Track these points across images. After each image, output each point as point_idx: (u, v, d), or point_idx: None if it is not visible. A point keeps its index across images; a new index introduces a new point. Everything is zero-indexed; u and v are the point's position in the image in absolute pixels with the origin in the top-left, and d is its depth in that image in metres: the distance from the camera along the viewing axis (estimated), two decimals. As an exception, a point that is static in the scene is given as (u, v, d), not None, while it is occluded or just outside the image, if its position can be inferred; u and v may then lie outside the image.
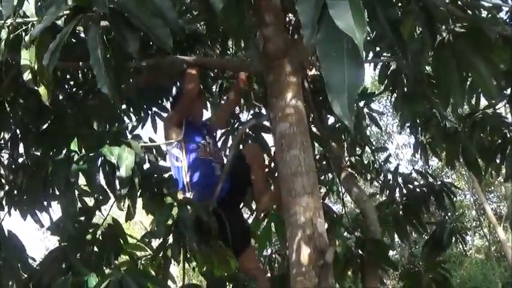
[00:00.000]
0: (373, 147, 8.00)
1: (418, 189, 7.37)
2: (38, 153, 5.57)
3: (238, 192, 5.74)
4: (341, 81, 1.79)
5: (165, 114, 6.74)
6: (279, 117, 4.59)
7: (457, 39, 2.92)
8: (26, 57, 3.48)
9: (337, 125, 7.08)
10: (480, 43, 2.96)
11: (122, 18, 3.18)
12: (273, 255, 7.52)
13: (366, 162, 7.87)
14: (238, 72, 5.87)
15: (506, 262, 27.00)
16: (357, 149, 7.61)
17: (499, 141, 6.33)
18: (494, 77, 3.12)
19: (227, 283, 4.94)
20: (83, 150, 4.78)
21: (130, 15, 3.16)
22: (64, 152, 4.72)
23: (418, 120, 7.15)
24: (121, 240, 5.35)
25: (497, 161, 6.38)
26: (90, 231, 5.32)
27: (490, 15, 3.24)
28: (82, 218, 5.32)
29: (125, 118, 6.71)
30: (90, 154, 4.62)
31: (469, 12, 3.20)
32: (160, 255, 4.77)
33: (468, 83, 5.36)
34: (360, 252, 5.80)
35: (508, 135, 6.18)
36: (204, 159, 5.68)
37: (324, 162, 7.22)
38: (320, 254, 4.09)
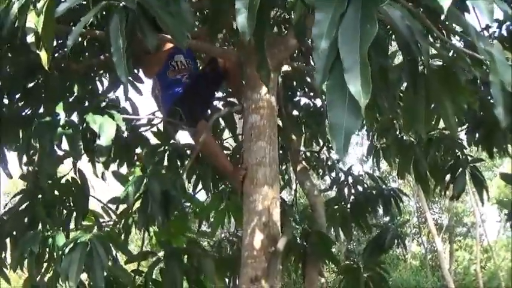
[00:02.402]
0: (330, 145, 8.26)
1: (367, 191, 7.60)
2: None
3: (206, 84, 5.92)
4: (341, 124, 2.08)
5: (139, 85, 6.94)
6: (252, 109, 4.84)
7: (431, 74, 3.19)
8: (32, 20, 3.63)
9: (300, 119, 7.46)
10: (450, 82, 3.24)
11: (146, 14, 3.39)
12: (224, 239, 7.80)
13: (321, 158, 8.17)
14: (219, 57, 5.97)
15: (440, 272, 27.64)
16: (314, 144, 7.90)
17: (451, 161, 6.64)
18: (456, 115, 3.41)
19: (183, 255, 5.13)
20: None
21: (154, 12, 3.36)
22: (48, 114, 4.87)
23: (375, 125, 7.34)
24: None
25: (446, 180, 6.66)
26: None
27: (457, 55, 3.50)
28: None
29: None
30: (75, 120, 4.81)
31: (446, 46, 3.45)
32: (122, 222, 4.99)
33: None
34: (304, 243, 6.03)
35: (461, 158, 6.49)
36: (174, 79, 5.90)
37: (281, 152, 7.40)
38: (272, 242, 4.41)
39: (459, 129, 6.20)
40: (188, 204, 6.13)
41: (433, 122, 6.29)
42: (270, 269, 4.31)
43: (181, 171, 5.53)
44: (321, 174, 8.39)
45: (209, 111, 6.05)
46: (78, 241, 4.24)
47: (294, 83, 7.46)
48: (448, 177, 6.67)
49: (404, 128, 4.93)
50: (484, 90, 4.86)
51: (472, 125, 6.06)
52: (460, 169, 6.41)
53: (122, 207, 5.45)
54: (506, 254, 31.99)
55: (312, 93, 7.60)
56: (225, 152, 6.43)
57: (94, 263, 4.18)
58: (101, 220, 5.69)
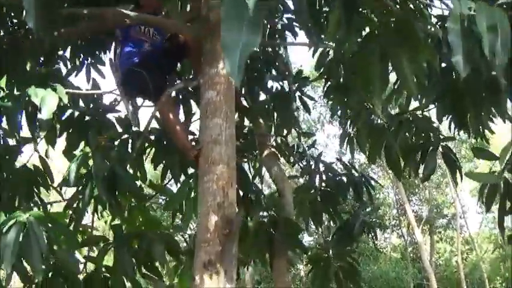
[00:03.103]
0: (300, 131, 8.05)
1: (338, 178, 7.39)
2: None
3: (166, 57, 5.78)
4: (237, 41, 1.82)
5: (100, 67, 6.72)
6: (208, 84, 4.65)
7: (385, 32, 2.95)
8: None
9: (268, 104, 7.17)
10: (407, 39, 3.00)
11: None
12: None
13: (291, 144, 7.93)
14: (179, 33, 5.80)
15: (421, 264, 27.60)
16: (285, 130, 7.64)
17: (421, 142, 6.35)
18: (415, 75, 3.16)
19: (133, 240, 4.91)
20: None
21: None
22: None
23: (348, 112, 7.11)
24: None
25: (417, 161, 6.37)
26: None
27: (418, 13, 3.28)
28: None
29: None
30: (16, 93, 4.57)
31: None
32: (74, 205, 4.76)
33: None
34: (272, 230, 5.80)
35: (432, 140, 6.24)
36: (136, 38, 5.73)
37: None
38: (227, 224, 4.14)
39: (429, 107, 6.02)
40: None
41: (403, 102, 6.14)
42: (224, 252, 4.04)
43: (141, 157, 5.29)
44: (292, 162, 8.08)
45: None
46: (15, 221, 3.98)
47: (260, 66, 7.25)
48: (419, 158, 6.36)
49: (362, 91, 4.64)
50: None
51: (438, 94, 5.74)
52: (431, 149, 6.11)
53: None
54: (489, 245, 32.07)
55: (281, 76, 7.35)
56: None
57: (31, 244, 3.90)
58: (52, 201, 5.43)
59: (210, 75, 4.66)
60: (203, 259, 4.03)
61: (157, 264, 4.76)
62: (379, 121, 6.47)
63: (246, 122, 6.97)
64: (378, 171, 29.58)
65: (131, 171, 5.73)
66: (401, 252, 31.90)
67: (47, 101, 4.45)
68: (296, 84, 7.22)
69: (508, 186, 4.31)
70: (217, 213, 4.16)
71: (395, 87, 5.60)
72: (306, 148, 8.08)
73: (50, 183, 5.41)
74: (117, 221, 5.20)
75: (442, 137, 6.20)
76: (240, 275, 5.95)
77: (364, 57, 3.14)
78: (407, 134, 6.31)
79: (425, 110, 6.31)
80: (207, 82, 4.67)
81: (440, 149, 6.15)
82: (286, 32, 7.59)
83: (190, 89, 6.06)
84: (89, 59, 6.94)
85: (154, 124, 5.88)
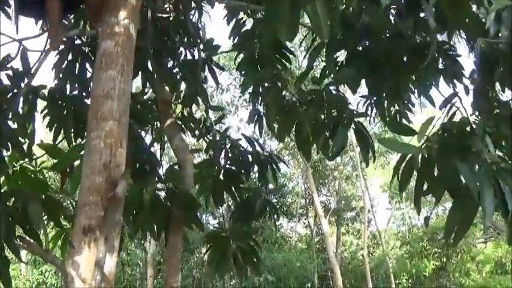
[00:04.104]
0: (208, 104, 7.69)
1: (242, 155, 7.07)
2: None
3: None
4: None
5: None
6: (106, 34, 4.29)
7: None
8: None
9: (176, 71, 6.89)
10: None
11: None
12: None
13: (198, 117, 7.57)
14: None
15: (326, 255, 27.69)
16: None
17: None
18: (330, 21, 2.84)
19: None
20: None
21: None
22: None
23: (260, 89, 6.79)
24: None
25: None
26: None
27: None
28: None
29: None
30: None
31: None
32: None
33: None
34: (169, 204, 5.52)
35: (344, 115, 5.90)
36: None
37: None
38: (112, 186, 3.75)
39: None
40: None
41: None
42: (106, 218, 3.65)
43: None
44: (197, 135, 7.70)
45: None
46: None
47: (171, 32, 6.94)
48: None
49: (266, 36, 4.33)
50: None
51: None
52: (341, 125, 5.77)
53: None
54: (396, 242, 32.43)
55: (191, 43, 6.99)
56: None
57: None
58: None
59: (109, 24, 4.30)
60: (82, 223, 3.65)
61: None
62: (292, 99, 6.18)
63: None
64: (289, 160, 29.42)
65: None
66: (306, 242, 31.93)
67: None
68: (206, 53, 6.83)
69: (427, 163, 4.02)
70: (102, 174, 3.78)
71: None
72: (214, 123, 7.71)
73: None
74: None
75: (355, 112, 5.88)
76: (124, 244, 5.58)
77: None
78: (319, 110, 5.95)
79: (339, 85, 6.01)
80: (105, 32, 4.30)
81: (352, 125, 5.81)
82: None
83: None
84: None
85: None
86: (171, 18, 6.94)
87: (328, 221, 29.33)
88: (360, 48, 5.38)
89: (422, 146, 4.02)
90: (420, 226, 29.56)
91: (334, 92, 5.87)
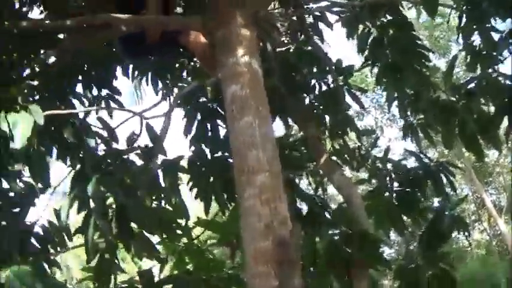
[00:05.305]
0: (358, 131, 7.10)
1: (411, 173, 6.39)
2: None
3: None
4: None
5: (118, 97, 6.11)
6: (228, 78, 3.90)
7: None
8: None
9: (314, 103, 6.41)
10: None
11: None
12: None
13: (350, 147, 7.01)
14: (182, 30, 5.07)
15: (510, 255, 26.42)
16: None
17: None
18: None
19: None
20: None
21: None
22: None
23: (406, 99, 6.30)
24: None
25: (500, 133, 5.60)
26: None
27: None
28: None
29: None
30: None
31: None
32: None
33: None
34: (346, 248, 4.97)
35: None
36: None
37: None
38: (281, 248, 3.15)
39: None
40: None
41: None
42: (282, 285, 3.05)
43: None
44: (355, 167, 7.12)
45: None
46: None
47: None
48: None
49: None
50: None
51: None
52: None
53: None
54: None
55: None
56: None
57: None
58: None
59: (228, 65, 3.92)
60: (259, 299, 3.08)
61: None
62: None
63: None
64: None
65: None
66: (486, 248, 30.60)
67: (17, 125, 3.77)
68: (341, 77, 6.31)
69: None
70: (266, 238, 3.23)
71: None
72: (369, 149, 7.10)
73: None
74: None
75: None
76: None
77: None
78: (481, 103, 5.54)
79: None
80: (226, 76, 3.92)
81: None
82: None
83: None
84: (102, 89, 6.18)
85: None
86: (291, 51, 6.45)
87: (503, 220, 27.98)
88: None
89: None
90: None
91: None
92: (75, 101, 5.86)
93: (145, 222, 4.36)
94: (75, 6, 5.20)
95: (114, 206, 4.31)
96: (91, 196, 3.87)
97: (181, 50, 5.25)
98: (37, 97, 5.24)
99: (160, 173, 5.10)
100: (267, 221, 3.25)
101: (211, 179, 5.69)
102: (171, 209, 4.98)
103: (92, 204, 3.93)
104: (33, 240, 4.67)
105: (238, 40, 3.96)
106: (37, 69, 5.23)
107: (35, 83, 5.28)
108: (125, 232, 4.15)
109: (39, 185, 4.43)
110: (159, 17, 4.72)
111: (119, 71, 6.29)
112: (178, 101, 5.16)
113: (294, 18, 6.41)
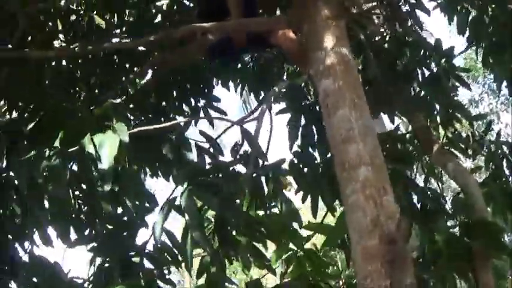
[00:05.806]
0: (470, 117, 6.80)
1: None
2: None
3: None
4: None
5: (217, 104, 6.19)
6: (319, 73, 3.75)
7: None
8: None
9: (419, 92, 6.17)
10: None
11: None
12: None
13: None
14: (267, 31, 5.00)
15: None
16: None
17: None
18: None
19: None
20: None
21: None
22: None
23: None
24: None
25: None
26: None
27: None
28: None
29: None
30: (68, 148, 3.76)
31: None
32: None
33: None
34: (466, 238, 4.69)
35: None
36: None
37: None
38: (391, 245, 2.97)
39: None
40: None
41: None
42: (393, 285, 2.88)
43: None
44: (470, 154, 6.85)
45: None
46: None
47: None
48: None
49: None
50: None
51: None
52: None
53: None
54: None
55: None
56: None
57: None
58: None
59: (318, 60, 3.77)
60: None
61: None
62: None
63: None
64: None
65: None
66: None
67: (105, 146, 3.67)
68: (443, 60, 6.04)
69: None
70: (373, 235, 3.05)
71: None
72: (482, 134, 6.81)
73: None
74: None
75: None
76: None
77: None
78: None
79: None
80: (317, 71, 3.77)
81: None
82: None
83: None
84: (200, 100, 6.21)
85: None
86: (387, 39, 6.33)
87: None
88: None
89: None
90: None
91: None
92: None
93: (250, 232, 4.27)
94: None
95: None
96: (184, 210, 3.77)
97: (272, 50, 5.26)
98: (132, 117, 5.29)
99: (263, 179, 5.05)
100: (372, 216, 3.07)
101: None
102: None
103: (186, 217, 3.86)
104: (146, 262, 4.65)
105: (325, 33, 3.84)
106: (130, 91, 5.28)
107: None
108: (227, 243, 4.06)
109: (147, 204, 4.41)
110: (243, 20, 4.71)
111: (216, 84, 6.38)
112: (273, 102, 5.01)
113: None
